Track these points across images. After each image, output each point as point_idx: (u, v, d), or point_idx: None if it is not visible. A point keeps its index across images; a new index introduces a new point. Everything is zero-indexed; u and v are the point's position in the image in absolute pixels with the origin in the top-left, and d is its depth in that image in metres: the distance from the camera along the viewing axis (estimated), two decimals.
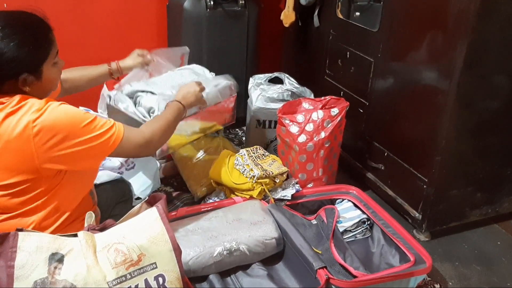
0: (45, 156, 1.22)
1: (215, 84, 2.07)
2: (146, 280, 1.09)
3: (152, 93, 1.92)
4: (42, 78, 1.29)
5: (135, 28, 2.80)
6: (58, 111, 1.23)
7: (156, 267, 1.11)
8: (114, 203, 1.67)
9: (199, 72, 2.16)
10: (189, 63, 2.67)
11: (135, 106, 1.94)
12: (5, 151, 1.22)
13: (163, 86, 1.96)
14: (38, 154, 1.21)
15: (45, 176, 1.27)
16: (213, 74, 2.20)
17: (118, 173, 1.96)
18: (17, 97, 1.24)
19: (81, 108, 1.97)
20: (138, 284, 1.08)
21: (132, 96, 1.96)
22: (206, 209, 1.82)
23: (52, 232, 1.28)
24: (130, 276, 1.08)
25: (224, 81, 2.13)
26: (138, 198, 1.97)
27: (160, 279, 1.11)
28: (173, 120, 1.57)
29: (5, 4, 2.43)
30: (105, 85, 2.51)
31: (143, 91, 1.94)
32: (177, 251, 1.14)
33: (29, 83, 1.26)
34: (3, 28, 1.22)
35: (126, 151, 1.37)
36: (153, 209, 1.20)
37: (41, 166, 1.23)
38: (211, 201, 2.00)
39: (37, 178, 1.26)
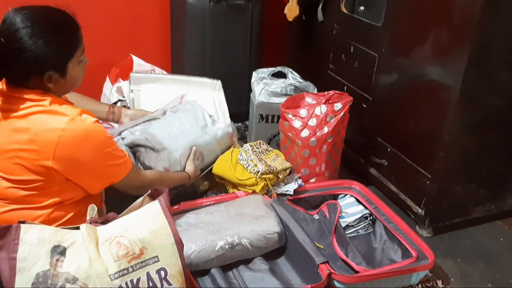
0: (58, 160, 1.24)
1: (213, 135, 1.97)
2: (148, 274, 1.09)
3: (152, 149, 1.80)
4: (66, 76, 1.29)
5: (137, 23, 2.79)
6: (90, 129, 1.27)
7: (158, 261, 1.11)
8: (116, 196, 1.67)
9: (199, 116, 2.00)
10: (192, 59, 2.67)
11: (134, 160, 1.82)
12: (27, 147, 1.23)
13: (163, 135, 1.85)
14: (54, 157, 1.23)
15: (58, 179, 1.29)
16: (213, 118, 2.07)
17: None
18: (48, 98, 1.25)
19: None
20: (140, 277, 1.08)
21: (132, 147, 1.84)
22: (208, 203, 1.82)
23: (59, 226, 1.29)
24: (132, 269, 1.08)
25: (223, 130, 2.01)
26: None
27: (162, 273, 1.11)
28: (174, 184, 1.74)
29: (9, 8, 2.42)
30: (108, 80, 2.51)
31: (142, 146, 1.82)
32: (179, 244, 1.14)
33: (53, 80, 1.27)
34: (33, 24, 1.21)
35: (122, 185, 1.43)
36: (156, 203, 1.20)
37: (52, 166, 1.24)
38: (213, 195, 2.00)
39: (49, 180, 1.28)
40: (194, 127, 1.94)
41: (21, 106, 1.24)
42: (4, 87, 1.29)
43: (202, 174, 1.95)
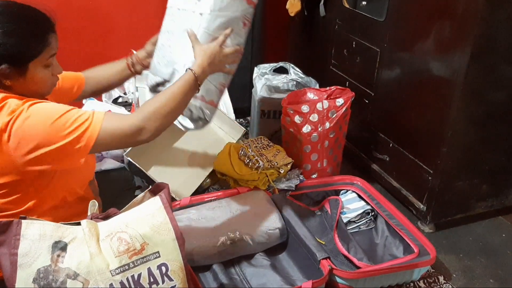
0: (22, 159, 1.17)
1: (217, 9, 1.36)
2: (149, 269, 1.09)
3: (168, 81, 1.46)
4: (26, 76, 1.22)
5: (139, 18, 2.78)
6: (28, 113, 1.17)
7: (159, 256, 1.10)
8: (117, 191, 1.66)
9: None
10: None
11: None
12: None
13: (168, 56, 1.47)
14: (15, 157, 1.17)
15: (32, 176, 1.23)
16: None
17: (122, 161, 1.96)
18: (0, 95, 1.20)
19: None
20: (141, 273, 1.08)
21: (154, 90, 1.55)
22: (209, 199, 1.82)
23: None
24: (133, 265, 1.08)
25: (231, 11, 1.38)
26: (139, 187, 1.97)
27: (163, 268, 1.11)
28: (180, 96, 1.29)
29: None
30: None
31: (160, 84, 1.51)
32: (180, 240, 1.14)
33: (10, 76, 1.21)
34: (2, 13, 1.19)
35: (112, 144, 1.23)
36: (157, 198, 1.20)
37: (24, 169, 1.19)
38: (215, 191, 2.00)
39: (23, 179, 1.22)
40: (189, 18, 1.40)
41: None
42: None
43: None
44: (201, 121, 1.47)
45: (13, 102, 1.19)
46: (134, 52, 1.66)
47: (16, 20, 1.21)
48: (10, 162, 1.18)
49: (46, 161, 1.19)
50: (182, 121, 1.50)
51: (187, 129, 1.51)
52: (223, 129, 2.22)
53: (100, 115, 1.21)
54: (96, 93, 1.66)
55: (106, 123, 1.20)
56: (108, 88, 1.68)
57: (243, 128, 2.20)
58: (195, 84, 1.33)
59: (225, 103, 2.32)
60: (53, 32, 1.27)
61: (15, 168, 1.19)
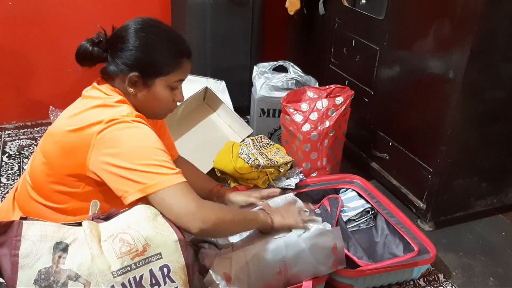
0: (95, 158, 1.17)
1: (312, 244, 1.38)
2: (151, 271, 1.09)
3: (216, 245, 1.43)
4: (149, 89, 1.27)
5: (138, 15, 2.77)
6: (133, 125, 1.18)
7: (161, 258, 1.10)
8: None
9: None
10: (192, 53, 2.64)
11: (195, 259, 1.37)
12: (74, 134, 1.19)
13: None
14: (92, 151, 1.17)
15: (87, 181, 1.23)
16: (320, 222, 1.46)
17: None
18: (118, 97, 1.24)
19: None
20: (143, 274, 1.08)
21: (196, 243, 1.47)
22: None
23: None
24: (135, 266, 1.08)
25: (323, 239, 1.40)
26: None
27: (165, 270, 1.10)
28: (244, 224, 1.30)
29: (10, 2, 2.43)
30: None
31: (206, 242, 1.45)
32: (182, 241, 1.14)
33: (135, 85, 1.25)
34: (146, 27, 1.26)
35: (167, 205, 1.13)
36: None
37: (89, 168, 1.18)
38: None
39: (79, 174, 1.22)
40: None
41: (94, 95, 1.25)
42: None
43: None
44: None
45: (128, 109, 1.22)
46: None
47: (161, 35, 1.27)
48: (85, 151, 1.18)
49: (108, 175, 1.16)
50: None
51: None
52: (232, 128, 2.22)
53: (181, 178, 1.16)
54: None
55: (180, 186, 1.14)
56: None
57: (251, 128, 2.20)
58: (265, 224, 1.34)
59: (225, 102, 2.32)
60: (188, 59, 1.32)
61: (83, 159, 1.18)
